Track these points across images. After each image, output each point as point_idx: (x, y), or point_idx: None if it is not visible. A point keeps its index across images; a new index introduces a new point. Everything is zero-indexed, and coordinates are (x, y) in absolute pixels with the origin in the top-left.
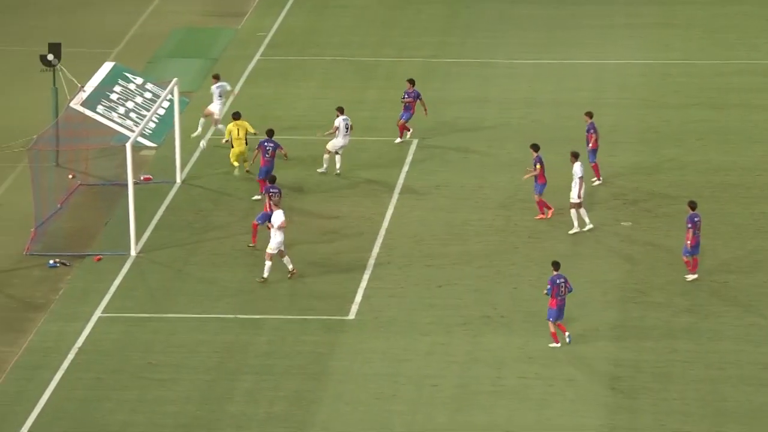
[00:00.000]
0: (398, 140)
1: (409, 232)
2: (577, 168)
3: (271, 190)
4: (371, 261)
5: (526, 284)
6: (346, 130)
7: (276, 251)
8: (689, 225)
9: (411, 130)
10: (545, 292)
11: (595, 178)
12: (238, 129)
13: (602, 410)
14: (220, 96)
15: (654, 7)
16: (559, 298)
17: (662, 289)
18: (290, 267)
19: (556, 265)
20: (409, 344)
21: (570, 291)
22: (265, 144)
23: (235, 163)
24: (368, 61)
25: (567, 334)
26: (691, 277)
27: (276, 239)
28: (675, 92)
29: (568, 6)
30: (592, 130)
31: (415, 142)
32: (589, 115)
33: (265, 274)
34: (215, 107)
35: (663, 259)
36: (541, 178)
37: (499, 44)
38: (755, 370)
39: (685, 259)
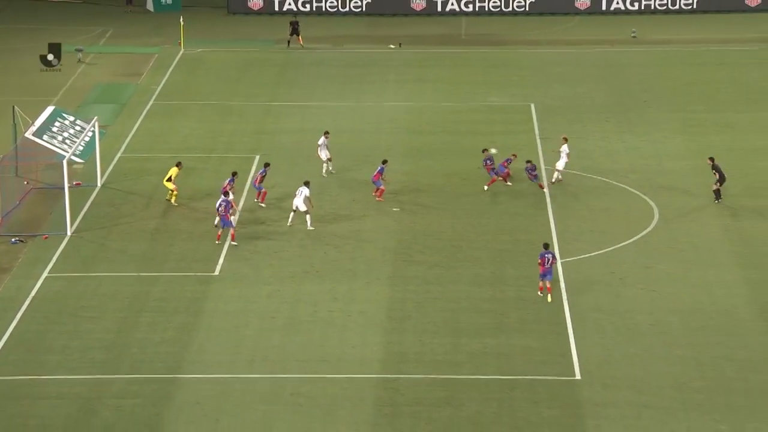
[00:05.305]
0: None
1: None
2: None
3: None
4: None
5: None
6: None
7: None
8: None
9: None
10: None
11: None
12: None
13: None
14: None
15: (413, 69)
16: None
17: None
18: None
19: None
20: (256, 292)
21: None
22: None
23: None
24: (224, 104)
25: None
26: None
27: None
28: (427, 123)
29: (357, 68)
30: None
31: (257, 158)
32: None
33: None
34: None
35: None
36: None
37: (313, 92)
38: None
39: None
